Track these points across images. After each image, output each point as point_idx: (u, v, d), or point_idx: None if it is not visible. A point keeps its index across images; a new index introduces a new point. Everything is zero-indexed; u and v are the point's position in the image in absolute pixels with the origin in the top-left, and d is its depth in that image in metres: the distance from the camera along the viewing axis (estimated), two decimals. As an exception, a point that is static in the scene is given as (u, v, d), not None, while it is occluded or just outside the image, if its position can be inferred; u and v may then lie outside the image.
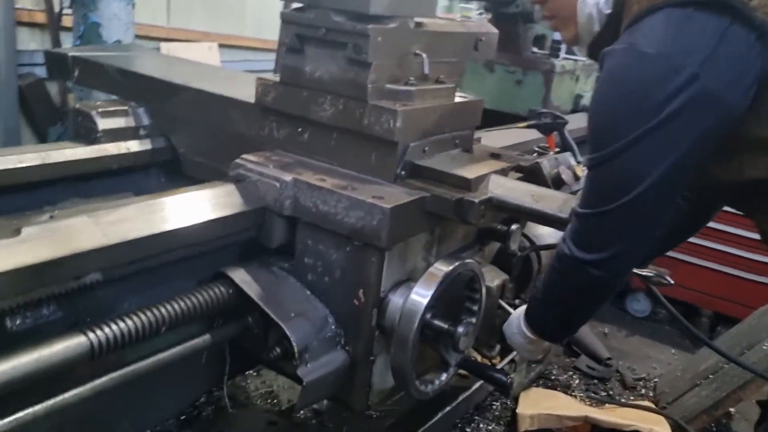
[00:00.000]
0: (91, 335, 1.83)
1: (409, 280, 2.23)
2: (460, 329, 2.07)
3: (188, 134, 2.78)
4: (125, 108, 2.82)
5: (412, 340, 2.01)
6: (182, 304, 2.06)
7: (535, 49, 5.10)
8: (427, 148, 2.31)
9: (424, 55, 2.30)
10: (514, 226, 2.53)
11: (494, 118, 4.20)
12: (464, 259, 2.17)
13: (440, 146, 2.39)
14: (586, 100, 5.04)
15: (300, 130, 2.39)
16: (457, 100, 2.49)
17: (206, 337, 2.17)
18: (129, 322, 1.92)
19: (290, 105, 2.37)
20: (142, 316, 1.95)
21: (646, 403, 4.17)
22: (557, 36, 4.96)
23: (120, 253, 1.88)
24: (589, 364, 4.78)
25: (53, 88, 5.45)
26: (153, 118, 2.85)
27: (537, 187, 2.23)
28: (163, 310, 2.01)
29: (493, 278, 2.40)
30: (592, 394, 4.37)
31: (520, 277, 2.89)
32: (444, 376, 2.22)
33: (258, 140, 2.50)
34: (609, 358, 4.82)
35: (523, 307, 2.18)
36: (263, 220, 2.26)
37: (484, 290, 2.26)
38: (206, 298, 2.12)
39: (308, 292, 2.25)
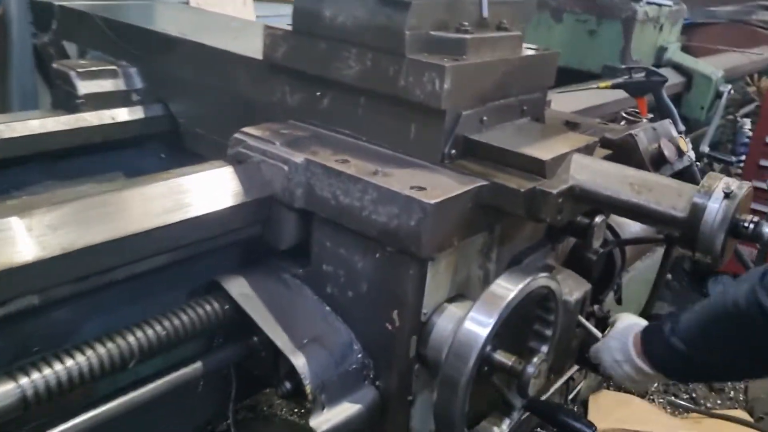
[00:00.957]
0: (24, 380, 1.34)
1: (460, 295, 1.67)
2: (530, 369, 1.51)
3: (187, 100, 2.26)
4: (113, 68, 2.31)
5: (465, 383, 1.46)
6: (159, 328, 1.57)
7: (612, -8, 4.36)
8: (485, 118, 1.73)
9: (483, -8, 1.71)
10: (598, 219, 1.94)
11: (564, 76, 3.54)
12: (537, 272, 1.60)
13: (503, 115, 1.80)
14: (670, 54, 4.30)
15: (318, 94, 1.83)
16: (525, 52, 1.89)
17: (197, 365, 1.68)
18: (80, 359, 1.43)
19: (305, 61, 1.81)
20: (100, 349, 1.47)
21: (738, 413, 3.55)
22: (638, -25, 4.21)
23: (62, 268, 1.37)
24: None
25: (72, 47, 4.99)
26: (147, 80, 2.33)
27: (637, 171, 1.63)
28: (131, 338, 1.52)
29: (572, 290, 1.83)
30: (673, 399, 3.76)
31: (600, 276, 2.31)
32: (506, 425, 1.67)
33: (268, 107, 1.96)
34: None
35: (630, 331, 1.72)
36: (269, 213, 1.74)
37: (560, 310, 1.69)
38: (192, 319, 1.63)
39: (328, 309, 1.73)
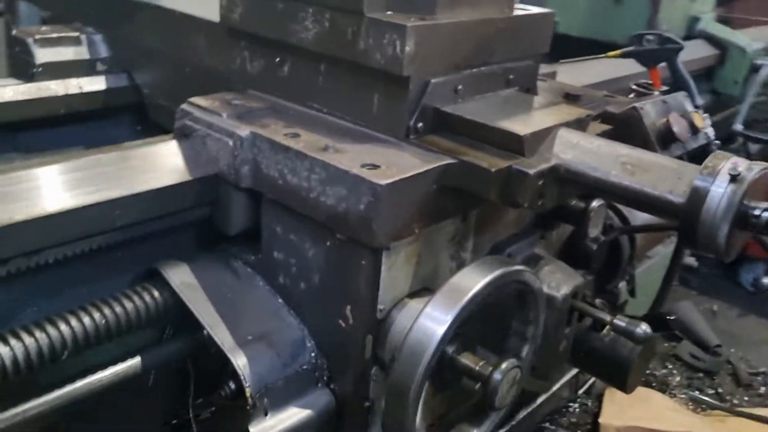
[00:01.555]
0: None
1: (426, 289, 1.47)
2: (497, 376, 1.31)
3: (149, 68, 2.08)
4: (76, 35, 2.14)
5: (415, 390, 1.27)
6: (88, 320, 1.41)
7: (640, -44, 4.05)
8: (460, 87, 1.52)
9: (460, -59, 1.48)
10: (595, 203, 1.71)
11: (585, 49, 3.28)
12: (511, 263, 1.39)
13: (483, 84, 1.58)
14: (703, 24, 3.98)
15: (278, 60, 1.64)
16: (515, 13, 1.66)
17: (135, 361, 1.52)
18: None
19: (263, 24, 1.62)
20: (27, 339, 1.32)
21: (767, 411, 3.29)
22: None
23: None
24: (693, 352, 3.92)
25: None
26: (112, 47, 2.16)
27: (633, 149, 1.39)
28: (63, 327, 1.37)
29: (560, 283, 1.61)
30: (696, 394, 3.52)
31: (604, 265, 2.08)
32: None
33: (228, 76, 1.77)
34: (718, 345, 3.94)
35: None
36: (217, 194, 1.55)
37: (540, 308, 1.47)
38: (127, 310, 1.46)
39: (280, 301, 1.55)
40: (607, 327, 1.65)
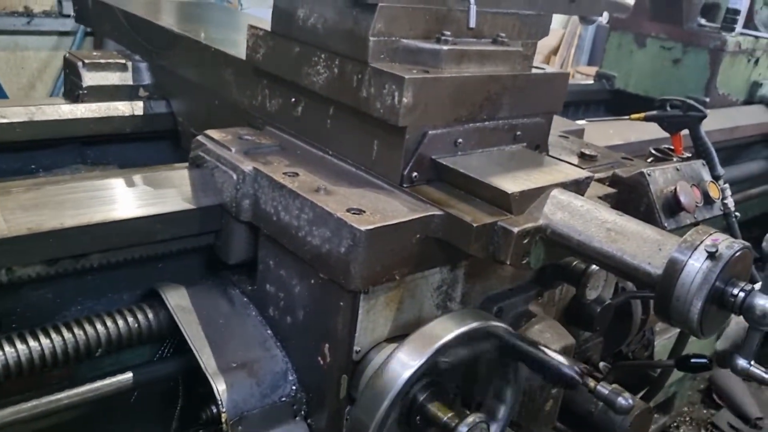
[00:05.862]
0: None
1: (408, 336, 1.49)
2: (461, 429, 1.31)
3: (185, 99, 2.19)
4: (122, 62, 2.28)
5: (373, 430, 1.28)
6: (90, 330, 1.49)
7: (702, 21, 4.01)
8: (460, 141, 1.55)
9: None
10: (594, 267, 1.70)
11: (642, 106, 3.25)
12: (489, 318, 1.40)
13: (486, 138, 1.61)
14: (765, 90, 3.88)
15: (293, 101, 1.71)
16: (528, 71, 1.68)
17: (126, 376, 1.58)
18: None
19: (281, 65, 1.69)
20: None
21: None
22: (735, 3, 3.85)
23: (27, 248, 1.37)
24: (732, 422, 3.78)
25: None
26: (155, 75, 2.29)
27: (620, 214, 1.39)
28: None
29: (548, 343, 1.60)
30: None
31: (613, 330, 2.05)
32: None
33: (251, 112, 1.85)
34: (760, 418, 3.78)
35: None
36: (220, 224, 1.62)
37: (519, 366, 1.47)
38: (123, 325, 1.53)
39: (269, 333, 1.59)
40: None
